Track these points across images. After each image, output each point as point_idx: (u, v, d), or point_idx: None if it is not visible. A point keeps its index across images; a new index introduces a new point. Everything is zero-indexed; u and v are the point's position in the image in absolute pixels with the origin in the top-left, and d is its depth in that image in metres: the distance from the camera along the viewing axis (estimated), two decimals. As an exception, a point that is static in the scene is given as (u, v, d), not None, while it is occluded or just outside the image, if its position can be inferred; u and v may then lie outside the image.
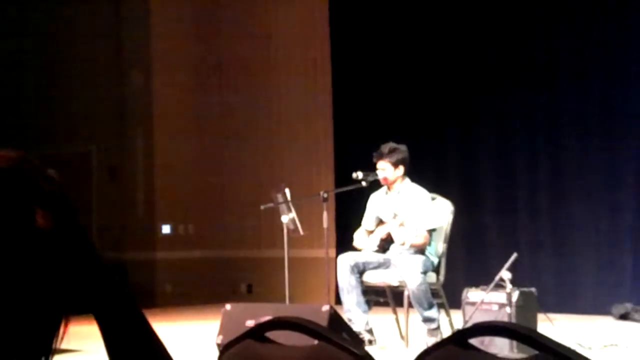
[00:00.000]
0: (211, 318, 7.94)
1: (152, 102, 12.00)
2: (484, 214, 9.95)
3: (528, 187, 9.74)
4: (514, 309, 6.31)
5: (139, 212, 12.12)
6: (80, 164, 12.46)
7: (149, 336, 1.28)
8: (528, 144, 9.73)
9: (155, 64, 12.00)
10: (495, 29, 9.96)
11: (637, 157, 9.10)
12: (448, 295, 7.08)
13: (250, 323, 5.63)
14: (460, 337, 1.55)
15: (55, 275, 1.17)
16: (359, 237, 7.34)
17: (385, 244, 7.17)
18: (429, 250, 7.11)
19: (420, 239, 7.00)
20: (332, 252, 8.98)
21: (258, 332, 1.75)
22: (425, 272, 6.92)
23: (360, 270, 7.05)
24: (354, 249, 7.30)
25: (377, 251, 7.16)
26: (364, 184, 7.16)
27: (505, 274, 6.34)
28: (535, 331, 1.49)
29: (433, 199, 7.24)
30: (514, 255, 6.35)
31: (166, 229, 12.07)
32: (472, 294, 6.57)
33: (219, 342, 6.23)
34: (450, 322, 7.02)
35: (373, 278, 7.07)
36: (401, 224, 6.98)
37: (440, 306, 6.99)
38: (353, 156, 9.09)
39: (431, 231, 7.08)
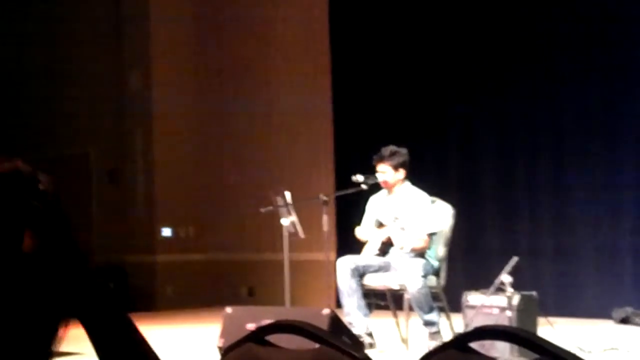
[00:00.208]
0: (212, 321, 7.94)
1: (152, 104, 12.01)
2: (485, 218, 9.95)
3: (528, 190, 9.74)
4: (514, 312, 6.30)
5: (139, 215, 12.12)
6: (79, 166, 12.47)
7: (135, 339, 1.29)
8: (528, 148, 9.73)
9: (155, 66, 12.01)
10: (495, 31, 9.96)
11: (637, 160, 9.10)
12: (448, 298, 7.08)
13: (251, 326, 5.63)
14: (460, 341, 1.55)
15: (46, 287, 1.17)
16: (362, 230, 7.31)
17: (386, 248, 7.17)
18: (429, 254, 7.10)
19: (420, 243, 7.00)
20: (333, 255, 8.98)
21: (259, 336, 1.75)
22: (425, 276, 6.91)
23: (360, 274, 7.04)
24: (355, 251, 7.30)
25: (377, 254, 7.16)
26: (364, 187, 7.15)
27: (505, 278, 6.33)
28: (535, 335, 1.49)
29: (433, 202, 7.23)
30: (515, 259, 6.34)
31: (166, 231, 12.07)
32: (473, 298, 6.56)
33: (220, 345, 6.22)
34: (451, 325, 7.01)
35: (373, 281, 7.07)
36: (402, 228, 6.98)
37: (441, 310, 6.99)
38: (353, 159, 9.09)
39: (431, 235, 7.08)
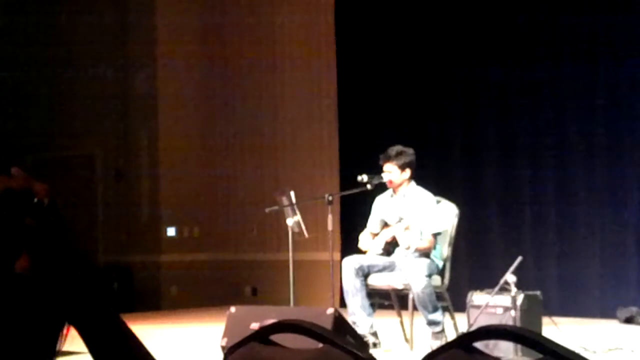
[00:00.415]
0: (216, 320, 7.94)
1: (157, 104, 12.02)
2: (489, 217, 9.94)
3: (533, 190, 9.73)
4: (518, 312, 6.30)
5: (144, 215, 12.13)
6: (84, 167, 12.48)
7: (129, 341, 1.29)
8: (533, 148, 9.72)
9: (160, 67, 12.02)
10: (500, 30, 9.95)
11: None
12: (453, 298, 7.07)
13: (255, 326, 5.63)
14: (464, 341, 1.55)
15: (41, 303, 1.18)
16: (364, 238, 7.34)
17: (390, 247, 7.17)
18: (434, 254, 7.10)
19: (425, 243, 7.00)
20: (337, 255, 8.98)
21: (263, 335, 1.76)
22: (430, 275, 6.91)
23: (365, 273, 7.04)
24: (359, 251, 7.30)
25: (381, 254, 7.16)
26: (369, 186, 7.15)
27: (510, 277, 6.33)
28: (539, 335, 1.49)
29: (438, 202, 7.23)
30: (519, 259, 6.34)
31: (171, 231, 12.08)
32: (477, 297, 6.56)
33: (224, 344, 6.22)
34: (455, 325, 7.01)
35: (378, 281, 7.06)
36: (406, 228, 6.98)
37: (445, 309, 6.99)
38: (358, 159, 9.10)
39: (436, 235, 7.08)
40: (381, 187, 7.27)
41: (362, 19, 10.99)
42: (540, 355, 1.44)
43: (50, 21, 12.45)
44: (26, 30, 12.53)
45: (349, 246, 8.92)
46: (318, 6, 11.59)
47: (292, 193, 7.43)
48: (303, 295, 9.27)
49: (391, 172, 7.13)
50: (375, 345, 6.94)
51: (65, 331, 1.23)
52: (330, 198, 7.25)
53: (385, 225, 7.27)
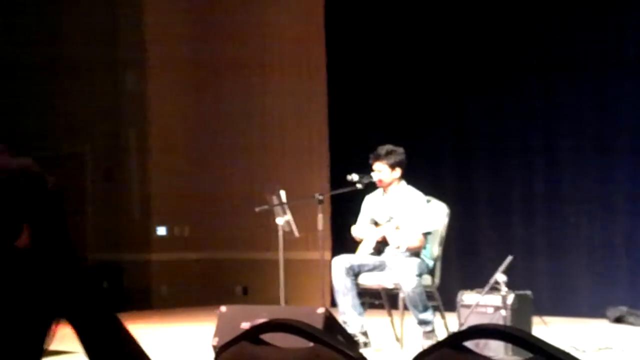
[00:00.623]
0: (206, 320, 7.93)
1: (147, 103, 12.00)
2: (479, 217, 9.96)
3: (523, 189, 9.74)
4: (509, 311, 6.31)
5: (134, 214, 12.11)
6: (74, 165, 12.44)
7: (124, 338, 1.29)
8: (523, 147, 9.73)
9: (150, 65, 12.00)
10: (490, 30, 9.97)
11: (631, 159, 9.11)
12: (443, 297, 7.08)
13: (245, 325, 5.63)
14: (455, 340, 1.55)
15: (37, 284, 1.18)
16: (358, 228, 7.32)
17: (381, 247, 7.17)
18: (424, 253, 7.11)
19: (415, 242, 7.00)
20: (328, 254, 8.97)
21: (253, 334, 1.75)
22: (420, 275, 6.92)
23: (355, 273, 7.04)
24: (350, 250, 7.30)
25: (372, 253, 7.16)
26: (359, 186, 7.15)
27: (500, 277, 6.34)
28: (529, 334, 1.49)
29: (428, 201, 7.24)
30: (509, 258, 6.35)
31: (161, 230, 12.06)
32: (467, 297, 6.57)
33: (215, 344, 6.22)
34: (446, 324, 7.02)
35: (368, 280, 7.07)
36: (397, 227, 6.98)
37: (436, 309, 7.00)
38: (348, 158, 9.09)
39: (427, 234, 7.08)
40: (371, 186, 7.28)
41: (353, 18, 10.99)
42: (531, 355, 1.44)
43: (40, 21, 12.42)
44: (16, 28, 12.50)
45: (340, 245, 8.93)
46: (308, 5, 11.58)
47: (282, 192, 7.42)
48: (294, 294, 9.26)
49: (381, 171, 7.14)
50: (365, 344, 6.94)
51: (53, 329, 1.23)
52: (321, 197, 7.25)
53: (375, 224, 7.28)
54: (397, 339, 7.05)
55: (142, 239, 11.98)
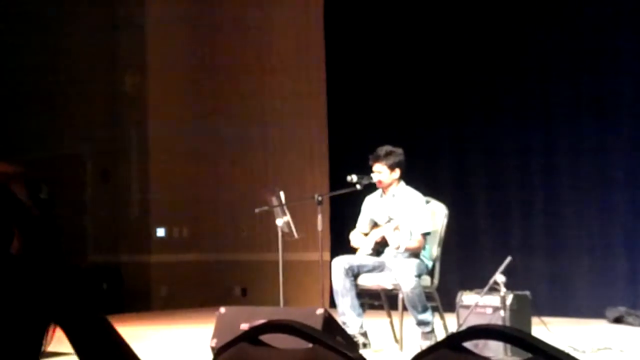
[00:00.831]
0: (205, 321, 7.93)
1: (147, 104, 12.00)
2: (478, 218, 9.96)
3: (522, 190, 9.75)
4: (508, 312, 6.31)
5: (133, 215, 12.11)
6: (73, 166, 12.44)
7: (114, 341, 1.30)
8: (521, 148, 9.73)
9: (150, 66, 12.00)
10: (486, 32, 9.97)
11: (629, 159, 9.11)
12: (442, 298, 7.08)
13: (244, 326, 5.63)
14: (454, 341, 1.55)
15: (29, 289, 1.18)
16: (355, 236, 7.34)
17: (380, 247, 7.17)
18: (423, 254, 7.11)
19: (415, 243, 7.00)
20: (327, 255, 8.98)
21: (252, 335, 1.76)
22: (419, 276, 6.92)
23: (354, 274, 7.05)
24: (349, 251, 7.30)
25: (371, 254, 7.16)
26: (358, 187, 7.15)
27: (499, 278, 6.34)
28: (528, 334, 1.49)
29: (427, 202, 7.24)
30: (508, 259, 6.35)
31: (160, 232, 12.06)
32: (467, 298, 6.57)
33: (214, 345, 6.22)
34: (445, 325, 7.02)
35: (367, 281, 7.07)
36: (396, 228, 6.98)
37: (435, 309, 7.00)
38: (347, 159, 9.10)
39: (426, 235, 7.09)
40: (371, 187, 7.28)
41: (352, 19, 10.99)
42: (530, 355, 1.44)
43: (40, 21, 12.42)
44: (16, 31, 12.49)
45: (339, 246, 8.92)
46: (307, 5, 11.58)
47: (281, 193, 7.42)
48: (293, 295, 9.27)
49: (381, 172, 7.14)
50: (365, 345, 6.94)
51: (51, 332, 1.23)
52: (320, 198, 7.25)
53: (375, 225, 7.28)
54: (397, 340, 7.05)
55: (142, 240, 11.98)
